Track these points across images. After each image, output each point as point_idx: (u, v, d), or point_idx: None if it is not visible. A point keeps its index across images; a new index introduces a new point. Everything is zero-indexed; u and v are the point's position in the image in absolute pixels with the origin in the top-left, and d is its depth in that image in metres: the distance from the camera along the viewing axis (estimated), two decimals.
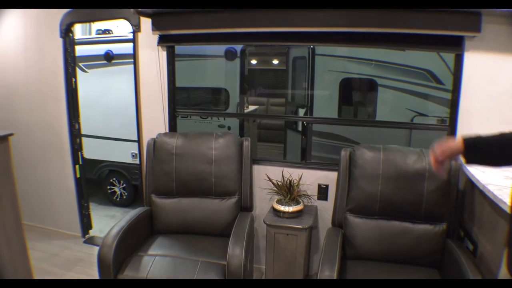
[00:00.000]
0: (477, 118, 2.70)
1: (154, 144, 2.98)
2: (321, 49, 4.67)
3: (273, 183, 2.99)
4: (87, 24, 6.10)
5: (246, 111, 5.78)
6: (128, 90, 3.57)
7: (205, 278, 2.32)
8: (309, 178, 3.08)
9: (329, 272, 2.09)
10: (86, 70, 5.02)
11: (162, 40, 3.15)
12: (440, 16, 2.52)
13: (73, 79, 3.69)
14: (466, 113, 2.72)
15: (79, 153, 3.86)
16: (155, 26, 3.10)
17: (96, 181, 5.19)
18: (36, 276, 2.63)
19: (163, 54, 3.21)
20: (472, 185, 2.40)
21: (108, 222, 4.50)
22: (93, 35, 5.75)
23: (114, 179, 5.12)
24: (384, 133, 4.07)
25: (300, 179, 3.00)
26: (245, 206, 2.96)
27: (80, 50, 4.75)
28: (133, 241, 2.62)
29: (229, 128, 4.95)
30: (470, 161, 1.61)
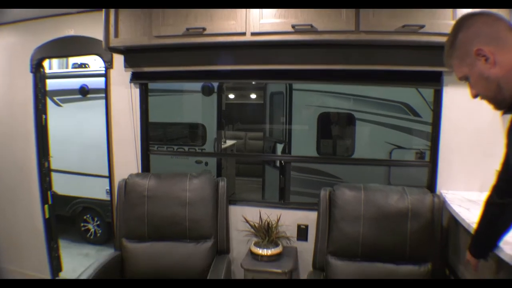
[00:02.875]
0: (458, 153, 2.67)
1: (125, 185, 2.85)
2: (298, 84, 4.67)
3: (250, 225, 2.88)
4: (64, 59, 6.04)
5: (223, 145, 5.73)
6: (103, 125, 3.47)
7: None
8: (288, 219, 2.97)
9: None
10: (61, 104, 4.93)
11: (135, 77, 3.06)
12: (419, 52, 2.51)
13: (43, 116, 3.56)
14: (446, 148, 2.69)
15: (49, 192, 3.69)
16: (128, 63, 3.02)
17: (69, 218, 5.02)
18: None
19: (136, 91, 3.12)
20: (456, 222, 2.35)
21: (81, 260, 4.33)
22: (70, 68, 5.68)
23: (88, 216, 4.97)
24: (363, 168, 4.04)
25: (278, 220, 2.90)
26: (221, 249, 2.83)
27: (55, 83, 4.71)
28: None
29: (206, 163, 4.86)
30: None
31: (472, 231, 1.74)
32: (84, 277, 2.35)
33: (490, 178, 2.30)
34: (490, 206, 1.60)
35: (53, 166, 3.81)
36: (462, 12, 2.17)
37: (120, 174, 3.09)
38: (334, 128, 4.85)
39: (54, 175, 3.87)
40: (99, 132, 4.15)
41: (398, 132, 4.39)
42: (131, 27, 2.64)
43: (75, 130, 4.82)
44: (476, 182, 2.65)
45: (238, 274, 3.03)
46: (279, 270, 2.63)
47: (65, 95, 4.93)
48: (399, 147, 4.38)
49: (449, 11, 2.22)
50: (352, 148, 4.61)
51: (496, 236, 1.62)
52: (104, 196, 4.68)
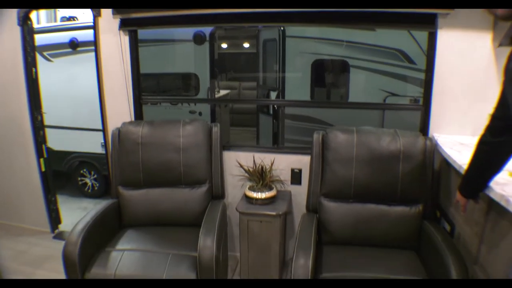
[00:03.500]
0: (450, 97, 2.67)
1: (119, 134, 2.85)
2: (291, 30, 4.59)
3: (244, 169, 2.91)
4: (52, 12, 5.89)
5: (217, 95, 5.68)
6: (95, 78, 3.43)
7: (177, 272, 2.23)
8: (282, 163, 3.00)
9: (304, 260, 2.02)
10: (51, 59, 4.84)
11: (124, 24, 2.99)
12: None
13: (33, 69, 3.51)
14: (440, 92, 2.69)
15: (43, 146, 3.70)
16: (116, 9, 2.94)
17: (66, 173, 5.04)
18: (4, 276, 2.51)
19: (126, 40, 3.06)
20: (447, 165, 2.37)
21: (80, 214, 4.29)
22: (58, 22, 5.54)
23: (85, 170, 4.99)
24: (357, 114, 4.03)
25: (272, 164, 2.93)
26: (217, 194, 2.87)
27: (44, 38, 4.59)
28: (100, 236, 2.50)
29: (200, 113, 4.84)
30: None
31: (463, 172, 1.74)
32: (81, 225, 2.37)
33: (482, 122, 2.31)
34: (483, 145, 1.59)
35: (46, 122, 3.80)
36: None
37: (114, 125, 3.07)
38: (328, 76, 4.80)
39: (48, 131, 3.87)
40: (92, 85, 4.11)
41: (392, 79, 4.35)
42: None
43: (67, 85, 4.74)
44: (469, 126, 2.66)
45: (234, 218, 3.09)
46: (273, 213, 2.68)
47: (55, 49, 4.83)
48: (394, 95, 4.36)
49: None
50: (346, 96, 4.58)
51: (488, 175, 1.63)
52: (100, 150, 4.68)
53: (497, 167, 1.58)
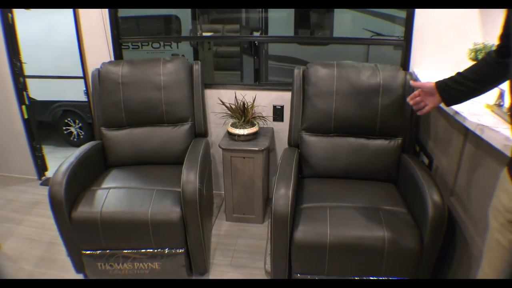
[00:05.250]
0: (431, 32, 2.65)
1: (99, 74, 2.81)
2: None
3: (226, 106, 2.92)
4: None
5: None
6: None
7: (162, 207, 2.28)
8: (264, 100, 3.01)
9: (284, 190, 2.06)
10: None
11: None
12: None
13: (10, 15, 3.40)
14: (421, 27, 2.67)
15: (24, 93, 3.64)
16: None
17: (50, 124, 5.01)
18: None
19: None
20: None
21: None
22: None
23: (69, 119, 4.96)
24: (342, 54, 4.00)
25: (254, 100, 2.93)
26: (199, 132, 2.88)
27: None
28: (85, 176, 2.52)
29: (183, 57, 4.77)
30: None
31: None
32: (66, 165, 2.38)
33: (463, 58, 2.32)
34: (489, 59, 1.52)
35: (27, 72, 3.72)
36: None
37: (94, 67, 3.03)
38: (312, 15, 4.72)
39: (30, 82, 3.79)
40: (71, 33, 4.03)
41: (377, 19, 4.29)
42: None
43: (46, 33, 4.63)
44: (449, 61, 2.66)
45: (218, 156, 3.13)
46: (255, 148, 2.72)
47: None
48: (378, 34, 4.32)
49: None
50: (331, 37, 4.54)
51: (479, 90, 1.59)
52: (83, 98, 4.61)
53: (493, 85, 1.55)
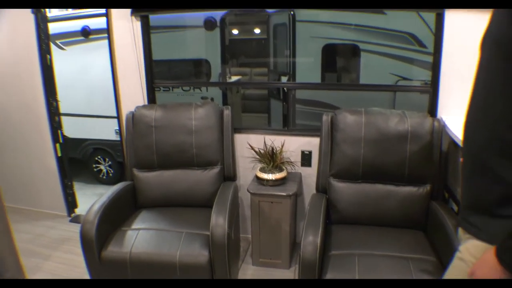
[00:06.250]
0: (458, 78, 2.66)
1: (133, 117, 2.92)
2: (301, 15, 4.60)
3: (255, 151, 2.96)
4: None
5: (228, 81, 5.71)
6: (108, 66, 3.49)
7: (190, 250, 2.31)
8: (292, 145, 3.05)
9: (312, 237, 2.07)
10: (64, 47, 4.90)
11: (136, 10, 3.04)
12: None
13: (48, 56, 3.58)
14: (447, 73, 2.68)
15: (59, 131, 3.78)
16: None
17: (81, 161, 5.13)
18: (23, 257, 2.59)
19: (138, 25, 3.12)
20: (455, 146, 2.39)
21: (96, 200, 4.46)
22: (70, 11, 5.59)
23: (99, 157, 5.06)
24: (368, 98, 4.04)
25: (282, 146, 2.97)
26: (228, 176, 2.93)
27: (56, 27, 4.64)
28: (116, 216, 2.58)
29: (212, 99, 4.88)
30: None
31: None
32: (98, 204, 2.45)
33: None
34: None
35: (61, 110, 3.86)
36: None
37: (128, 110, 3.12)
38: (338, 60, 4.80)
39: (63, 119, 3.93)
40: (104, 73, 4.19)
41: (403, 63, 4.34)
42: None
43: (80, 73, 4.80)
44: None
45: (245, 200, 3.15)
46: (283, 193, 2.73)
47: (67, 38, 4.89)
48: (404, 79, 4.36)
49: None
50: (357, 80, 4.59)
51: None
52: (114, 137, 4.74)
53: None
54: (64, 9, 5.86)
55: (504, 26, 0.96)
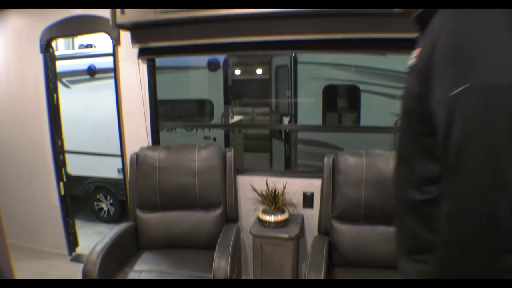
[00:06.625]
0: None
1: (137, 158, 2.96)
2: (303, 56, 4.70)
3: (257, 193, 2.98)
4: (70, 39, 6.08)
5: (231, 121, 5.78)
6: (113, 105, 3.54)
7: None
8: (294, 187, 3.06)
9: None
10: (69, 85, 4.99)
11: (142, 53, 3.13)
12: None
13: (55, 95, 3.66)
14: None
15: (63, 170, 3.81)
16: (135, 39, 3.09)
17: (82, 198, 5.12)
18: None
19: (144, 67, 3.20)
20: None
21: (96, 239, 4.38)
22: (76, 50, 5.72)
23: (101, 195, 5.06)
24: (369, 138, 4.08)
25: (284, 188, 2.99)
26: (231, 217, 2.94)
27: (62, 65, 4.72)
28: (118, 257, 2.58)
29: (214, 139, 4.93)
30: None
31: None
32: (100, 245, 2.45)
33: None
34: None
35: (65, 147, 3.90)
36: None
37: (131, 149, 3.19)
38: (339, 101, 4.88)
39: (66, 156, 3.97)
40: (108, 112, 4.26)
41: None
42: None
43: (84, 111, 4.86)
44: None
45: (247, 241, 3.14)
46: (285, 235, 2.73)
47: (73, 76, 4.98)
48: None
49: None
50: (358, 121, 4.65)
51: None
52: (116, 175, 4.76)
53: None
54: (71, 48, 6.02)
55: (413, 93, 0.99)
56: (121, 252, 2.63)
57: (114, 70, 3.29)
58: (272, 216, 2.83)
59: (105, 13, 2.96)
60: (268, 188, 2.98)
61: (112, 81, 3.35)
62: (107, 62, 4.61)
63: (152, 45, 3.09)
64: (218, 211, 2.88)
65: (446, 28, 0.87)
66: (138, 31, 3.05)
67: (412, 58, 1.01)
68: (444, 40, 0.86)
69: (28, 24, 3.55)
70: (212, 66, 4.93)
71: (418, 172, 1.00)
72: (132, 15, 2.73)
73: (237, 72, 6.78)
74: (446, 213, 0.85)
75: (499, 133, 0.78)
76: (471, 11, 0.85)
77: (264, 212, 2.89)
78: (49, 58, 3.56)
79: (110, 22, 2.79)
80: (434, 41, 0.88)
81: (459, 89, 0.80)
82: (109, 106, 4.28)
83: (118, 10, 2.73)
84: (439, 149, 0.87)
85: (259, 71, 6.84)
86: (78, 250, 4.01)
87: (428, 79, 0.89)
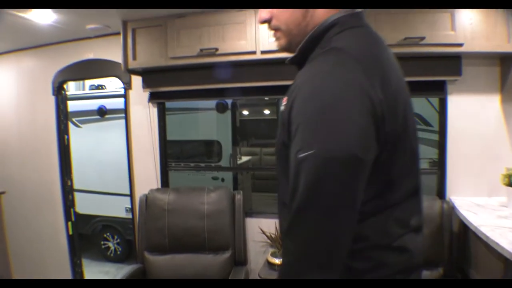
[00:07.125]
0: (465, 158, 2.73)
1: (146, 200, 2.98)
2: None
3: (266, 235, 2.96)
4: (80, 81, 6.20)
5: (239, 161, 5.80)
6: (121, 144, 3.58)
7: None
8: None
9: None
10: (80, 125, 5.06)
11: (153, 97, 3.20)
12: (421, 62, 2.58)
13: (66, 136, 3.70)
14: (454, 155, 2.75)
15: (72, 209, 3.82)
16: (146, 84, 3.16)
17: (89, 236, 5.11)
18: None
19: (154, 110, 3.26)
20: (465, 227, 2.39)
21: (102, 278, 4.40)
22: (87, 90, 5.83)
23: (108, 234, 5.04)
24: None
25: None
26: (239, 261, 2.91)
27: (73, 105, 4.81)
28: None
29: (222, 180, 4.93)
30: None
31: None
32: None
33: (497, 182, 2.38)
34: None
35: (74, 186, 3.92)
36: (461, 19, 2.30)
37: (141, 190, 3.22)
38: None
39: (75, 195, 3.98)
40: (117, 152, 4.30)
41: None
42: (148, 49, 2.79)
43: (93, 150, 4.92)
44: (484, 187, 2.69)
45: None
46: None
47: (83, 116, 5.05)
48: None
49: (448, 22, 2.31)
50: None
51: None
52: (124, 214, 4.75)
53: None
54: (82, 89, 6.12)
55: (280, 141, 1.07)
56: None
57: (125, 112, 3.35)
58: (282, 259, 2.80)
59: (117, 57, 3.04)
60: (277, 231, 2.96)
61: (122, 121, 3.40)
62: (117, 103, 4.69)
63: (162, 90, 3.16)
64: (226, 254, 2.87)
65: (301, 89, 0.95)
66: (149, 75, 3.11)
67: (282, 104, 1.08)
68: (298, 102, 0.94)
69: (41, 66, 3.64)
70: (221, 107, 4.99)
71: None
72: (143, 61, 2.81)
73: (245, 112, 6.83)
74: (289, 238, 0.95)
75: (333, 197, 0.87)
76: (326, 72, 0.94)
77: (273, 255, 2.86)
78: (61, 100, 3.63)
79: (122, 67, 2.86)
80: (294, 98, 0.96)
81: (304, 154, 0.88)
82: (118, 145, 4.33)
83: (130, 55, 2.81)
84: (288, 194, 0.95)
85: (266, 111, 6.89)
86: None
87: (289, 132, 0.96)
